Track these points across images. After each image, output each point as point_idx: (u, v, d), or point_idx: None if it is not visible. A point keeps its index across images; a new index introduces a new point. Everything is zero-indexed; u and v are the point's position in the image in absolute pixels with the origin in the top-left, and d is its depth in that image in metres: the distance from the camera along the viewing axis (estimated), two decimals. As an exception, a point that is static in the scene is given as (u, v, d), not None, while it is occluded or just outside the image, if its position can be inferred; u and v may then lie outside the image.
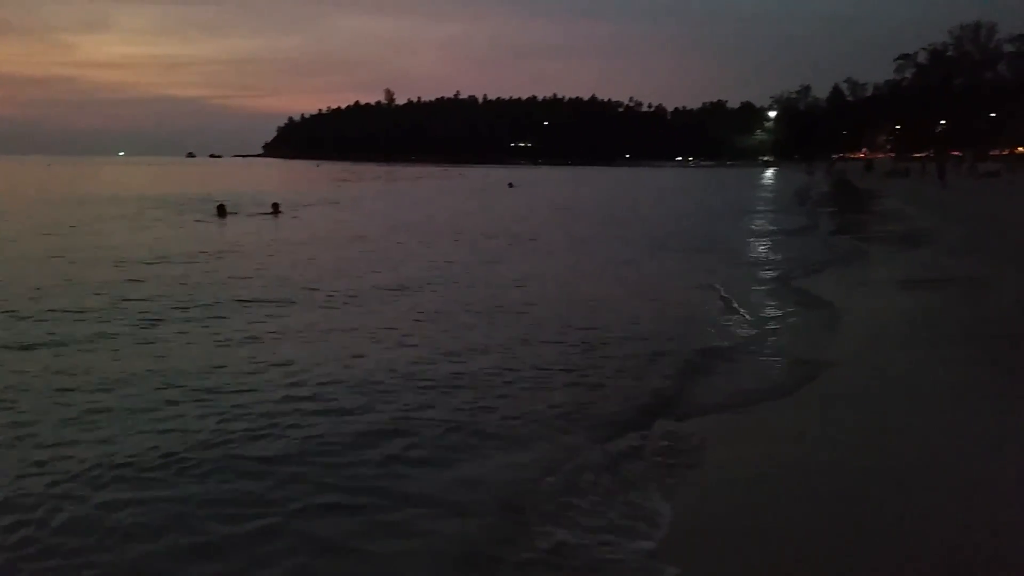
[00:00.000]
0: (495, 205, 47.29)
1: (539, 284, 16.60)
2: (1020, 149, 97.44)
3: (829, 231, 29.34)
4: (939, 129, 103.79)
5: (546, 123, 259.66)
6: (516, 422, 7.63)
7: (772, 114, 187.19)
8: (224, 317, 12.45)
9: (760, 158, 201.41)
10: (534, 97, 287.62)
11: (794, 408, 8.05)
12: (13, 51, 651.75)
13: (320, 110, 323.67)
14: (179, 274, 16.94)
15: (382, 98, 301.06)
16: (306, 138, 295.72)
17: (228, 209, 34.29)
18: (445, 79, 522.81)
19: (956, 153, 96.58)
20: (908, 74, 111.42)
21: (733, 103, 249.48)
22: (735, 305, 13.99)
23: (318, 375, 9.12)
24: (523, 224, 32.50)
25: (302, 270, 17.99)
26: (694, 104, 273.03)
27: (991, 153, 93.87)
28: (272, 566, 4.98)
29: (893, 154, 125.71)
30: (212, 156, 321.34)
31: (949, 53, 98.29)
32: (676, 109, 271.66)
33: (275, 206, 35.25)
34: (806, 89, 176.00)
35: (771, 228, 31.64)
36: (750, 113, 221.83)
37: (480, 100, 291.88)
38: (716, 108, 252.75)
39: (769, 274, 18.02)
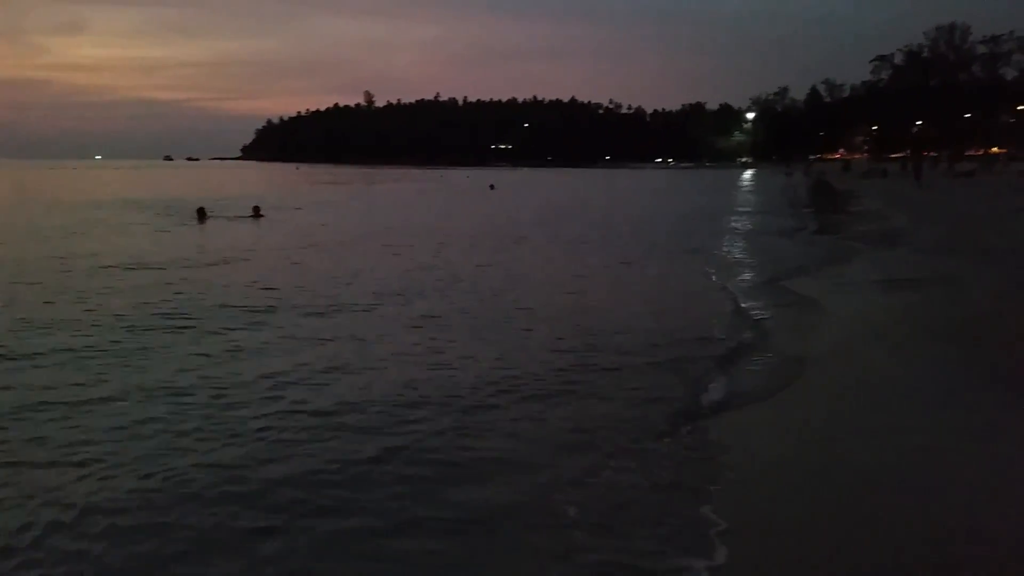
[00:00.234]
0: (478, 208, 47.23)
1: (533, 289, 16.50)
2: (994, 149, 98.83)
3: (812, 231, 29.54)
4: (915, 129, 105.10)
5: (527, 125, 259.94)
6: (543, 432, 7.56)
7: (750, 115, 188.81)
8: (208, 327, 12.03)
9: (739, 159, 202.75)
10: (515, 99, 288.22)
11: (795, 404, 8.20)
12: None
13: (299, 112, 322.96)
14: (160, 281, 16.53)
15: (362, 100, 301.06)
16: (285, 141, 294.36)
17: (208, 212, 34.02)
18: (425, 81, 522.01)
19: (932, 154, 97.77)
20: (885, 75, 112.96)
21: (712, 105, 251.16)
22: (730, 306, 14.11)
23: (312, 388, 8.85)
24: (508, 227, 32.47)
25: (289, 276, 17.53)
26: (673, 106, 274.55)
27: (966, 153, 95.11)
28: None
29: (869, 155, 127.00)
30: (190, 159, 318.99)
31: (925, 54, 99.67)
32: (656, 111, 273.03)
33: (256, 209, 34.99)
34: (784, 90, 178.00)
35: (756, 229, 31.74)
36: (729, 115, 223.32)
37: (460, 102, 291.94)
38: (695, 110, 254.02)
39: (758, 275, 18.03)
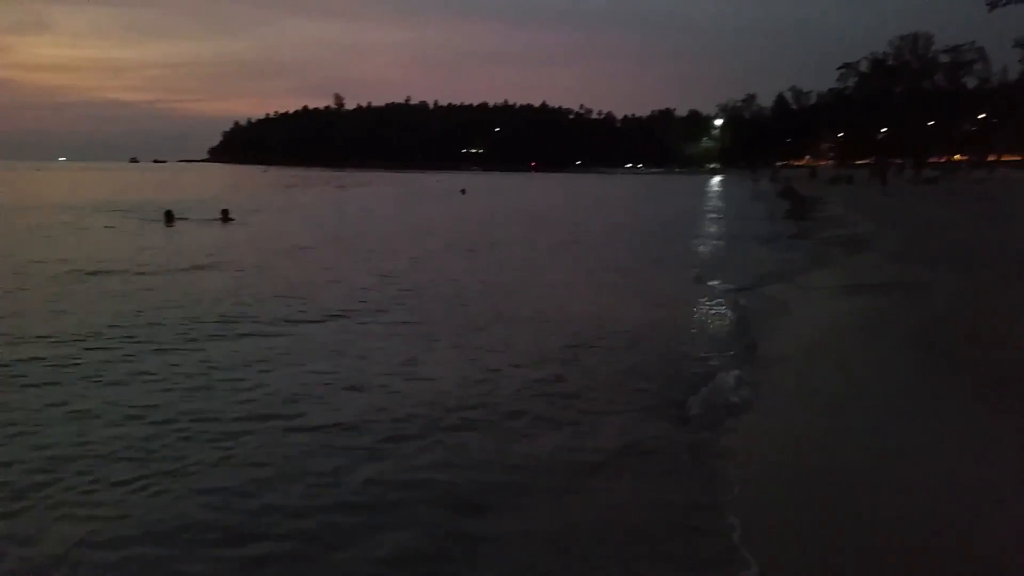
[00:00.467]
0: (450, 213, 47.12)
1: (510, 296, 16.31)
2: (957, 156, 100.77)
3: (786, 237, 29.71)
4: (880, 136, 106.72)
5: (497, 129, 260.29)
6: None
7: (718, 122, 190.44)
8: (179, 339, 11.50)
9: (707, 165, 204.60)
10: (486, 103, 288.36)
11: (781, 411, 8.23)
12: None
13: (268, 114, 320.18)
14: (130, 288, 16.00)
15: (331, 103, 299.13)
16: (253, 143, 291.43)
17: (176, 215, 33.57)
18: (396, 84, 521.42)
19: (897, 160, 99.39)
20: (851, 83, 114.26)
21: (681, 111, 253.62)
22: (707, 312, 14.21)
23: (292, 403, 8.51)
24: (487, 231, 32.42)
25: (262, 285, 16.97)
26: (643, 112, 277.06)
27: (930, 160, 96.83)
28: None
29: (835, 161, 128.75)
30: (156, 161, 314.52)
31: (889, 62, 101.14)
32: (626, 117, 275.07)
33: (225, 213, 34.60)
34: (751, 97, 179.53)
35: (730, 234, 31.90)
36: (697, 121, 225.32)
37: (431, 106, 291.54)
38: (664, 116, 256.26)
39: (737, 281, 18.07)
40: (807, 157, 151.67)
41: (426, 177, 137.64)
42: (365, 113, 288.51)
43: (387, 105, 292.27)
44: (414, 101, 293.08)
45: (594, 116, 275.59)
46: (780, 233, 31.56)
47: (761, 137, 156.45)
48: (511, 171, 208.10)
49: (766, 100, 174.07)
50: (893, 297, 14.57)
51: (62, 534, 5.56)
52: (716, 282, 18.14)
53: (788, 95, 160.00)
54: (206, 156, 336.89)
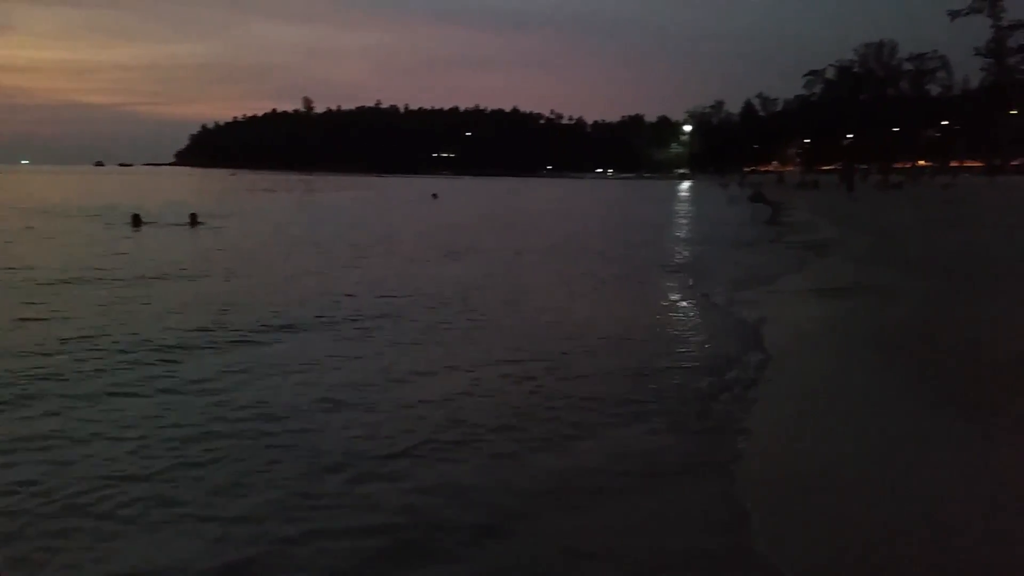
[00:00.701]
0: (423, 217, 47.01)
1: (492, 302, 16.02)
2: (921, 162, 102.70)
3: (758, 242, 29.90)
4: (846, 142, 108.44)
5: (468, 134, 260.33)
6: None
7: (687, 128, 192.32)
8: (153, 352, 10.81)
9: (676, 171, 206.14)
10: (457, 108, 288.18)
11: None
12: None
13: (235, 118, 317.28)
14: (100, 297, 15.25)
15: (300, 106, 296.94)
16: (221, 147, 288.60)
17: (144, 219, 33.10)
18: (365, 88, 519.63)
19: (863, 166, 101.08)
20: (817, 90, 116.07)
21: (651, 117, 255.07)
22: (694, 319, 14.38)
23: (272, 420, 7.96)
24: (463, 237, 32.28)
25: (235, 292, 16.41)
26: (613, 117, 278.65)
27: (895, 165, 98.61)
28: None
29: (801, 167, 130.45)
30: (122, 165, 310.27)
31: (855, 70, 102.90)
32: (596, 122, 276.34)
33: (193, 217, 34.17)
34: (720, 104, 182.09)
35: (706, 239, 32.09)
36: (667, 127, 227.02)
37: (402, 110, 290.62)
38: (634, 121, 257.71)
39: (717, 285, 18.12)
40: (774, 163, 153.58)
41: (397, 181, 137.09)
42: (335, 117, 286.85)
43: (357, 109, 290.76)
44: (384, 105, 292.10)
45: (565, 121, 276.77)
46: (755, 238, 31.65)
47: (729, 143, 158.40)
48: (482, 175, 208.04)
49: (734, 107, 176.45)
50: (858, 301, 14.85)
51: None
52: (699, 288, 18.05)
53: (756, 102, 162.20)
54: (173, 160, 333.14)
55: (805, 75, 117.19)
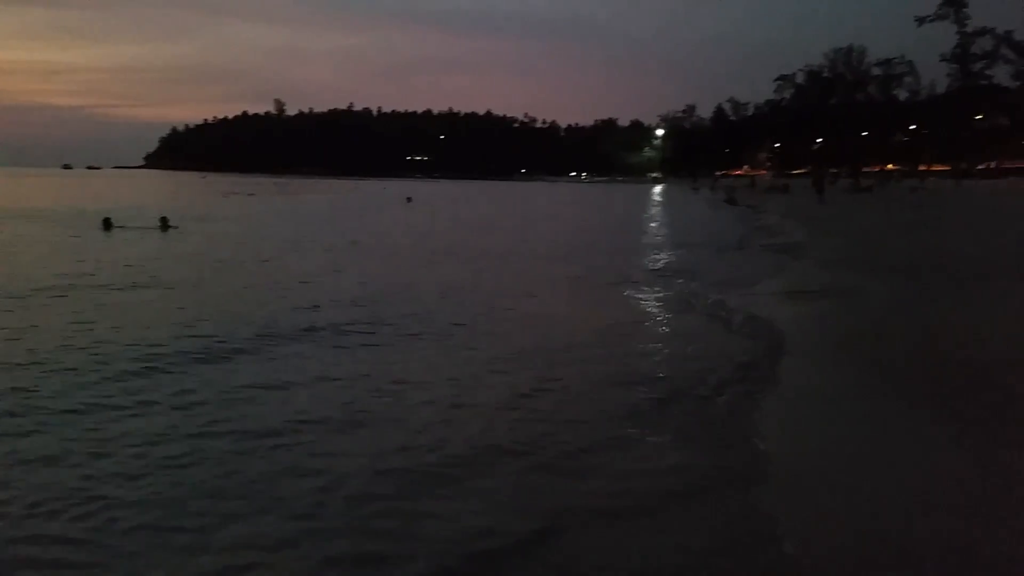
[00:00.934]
0: (399, 220, 46.85)
1: (476, 308, 15.79)
2: (890, 166, 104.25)
3: (732, 246, 29.98)
4: (816, 147, 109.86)
5: (442, 137, 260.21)
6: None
7: (660, 132, 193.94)
8: (138, 363, 10.21)
9: (649, 174, 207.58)
10: (430, 111, 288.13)
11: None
12: None
13: (206, 120, 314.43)
14: (71, 307, 14.51)
15: (272, 108, 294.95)
16: (191, 150, 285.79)
17: (115, 223, 32.67)
18: (338, 90, 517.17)
19: (833, 170, 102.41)
20: (787, 94, 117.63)
21: (623, 121, 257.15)
22: (683, 326, 14.48)
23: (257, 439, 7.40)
24: (441, 240, 32.24)
25: (212, 300, 15.81)
26: (586, 121, 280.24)
27: (864, 169, 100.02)
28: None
29: (772, 170, 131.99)
30: (90, 168, 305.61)
31: (825, 74, 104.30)
32: (569, 126, 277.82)
33: (164, 220, 33.77)
34: (691, 108, 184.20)
35: (686, 243, 32.15)
36: (639, 131, 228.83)
37: (375, 112, 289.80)
38: (607, 126, 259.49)
39: (699, 288, 18.30)
40: (745, 167, 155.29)
41: (370, 184, 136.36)
42: (307, 119, 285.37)
43: (329, 111, 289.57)
44: (357, 108, 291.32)
45: (538, 125, 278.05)
46: (735, 242, 31.63)
47: (701, 147, 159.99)
48: (456, 179, 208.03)
49: (706, 111, 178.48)
50: (825, 304, 15.11)
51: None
52: (684, 291, 17.94)
53: (727, 106, 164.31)
54: (142, 162, 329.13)
55: (775, 80, 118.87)
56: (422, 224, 42.95)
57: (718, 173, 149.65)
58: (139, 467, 6.75)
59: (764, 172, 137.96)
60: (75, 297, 15.68)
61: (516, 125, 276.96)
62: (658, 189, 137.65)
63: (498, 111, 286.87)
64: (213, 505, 6.00)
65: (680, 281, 19.60)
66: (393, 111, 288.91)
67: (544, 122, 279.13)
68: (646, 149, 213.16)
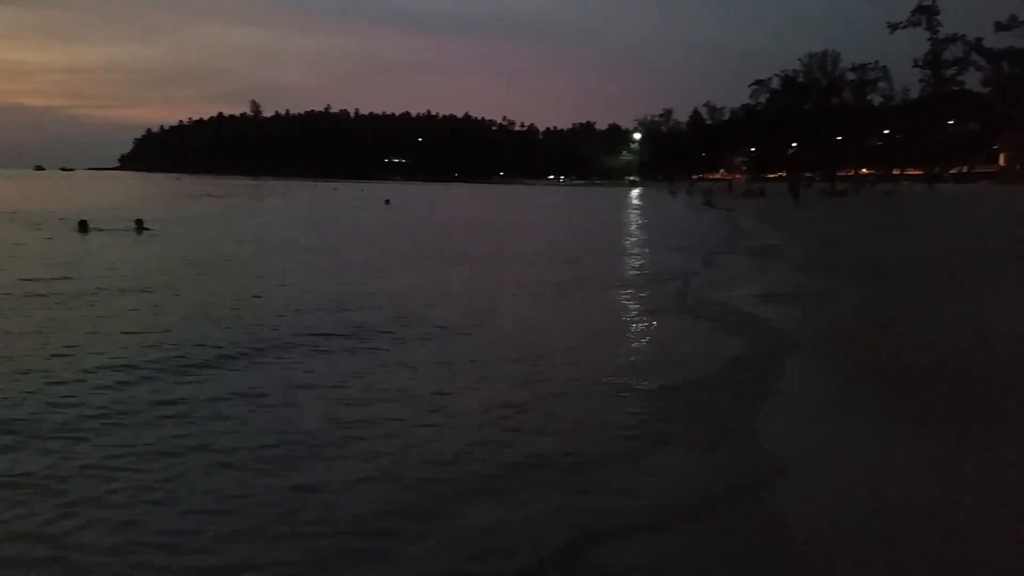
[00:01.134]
0: (379, 222, 46.71)
1: (476, 310, 15.62)
2: (864, 170, 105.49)
3: (710, 250, 30.05)
4: (791, 151, 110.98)
5: (420, 139, 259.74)
6: None
7: (637, 136, 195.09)
8: (121, 375, 9.81)
9: (626, 178, 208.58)
10: (408, 113, 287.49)
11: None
12: None
13: (181, 121, 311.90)
14: (51, 314, 14.08)
15: (248, 110, 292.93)
16: (166, 151, 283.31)
17: (91, 225, 32.33)
18: (315, 92, 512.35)
19: (808, 174, 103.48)
20: (762, 99, 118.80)
21: (601, 125, 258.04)
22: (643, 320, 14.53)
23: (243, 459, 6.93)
24: (426, 243, 32.05)
25: (189, 306, 15.37)
26: (564, 125, 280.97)
27: (838, 173, 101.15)
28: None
29: (748, 174, 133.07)
30: (63, 169, 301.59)
31: (800, 80, 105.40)
32: (548, 129, 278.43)
33: (139, 222, 33.49)
34: (668, 112, 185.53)
35: (667, 247, 32.15)
36: (617, 135, 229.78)
37: (352, 114, 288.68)
38: (585, 129, 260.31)
39: (673, 295, 18.41)
40: (721, 171, 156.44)
41: (348, 186, 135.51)
42: (283, 121, 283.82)
43: (306, 113, 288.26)
44: (334, 110, 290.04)
45: (517, 128, 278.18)
46: (717, 246, 31.68)
47: (678, 151, 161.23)
48: (434, 181, 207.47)
49: (682, 115, 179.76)
50: (799, 307, 15.39)
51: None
52: (666, 295, 17.88)
53: (703, 111, 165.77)
54: (117, 164, 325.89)
55: (751, 84, 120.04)
56: (404, 226, 42.86)
57: (695, 177, 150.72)
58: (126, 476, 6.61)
59: (739, 176, 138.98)
60: (54, 303, 15.20)
61: (494, 128, 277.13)
62: (636, 192, 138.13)
63: (476, 114, 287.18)
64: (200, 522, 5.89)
65: (665, 284, 19.70)
66: (371, 113, 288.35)
67: (522, 125, 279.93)
68: (624, 153, 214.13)
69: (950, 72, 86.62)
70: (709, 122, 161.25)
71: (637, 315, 15.74)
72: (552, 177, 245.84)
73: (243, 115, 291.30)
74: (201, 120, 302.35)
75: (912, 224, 34.92)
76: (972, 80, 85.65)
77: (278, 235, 34.66)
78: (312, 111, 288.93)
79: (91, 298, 15.81)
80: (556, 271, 22.52)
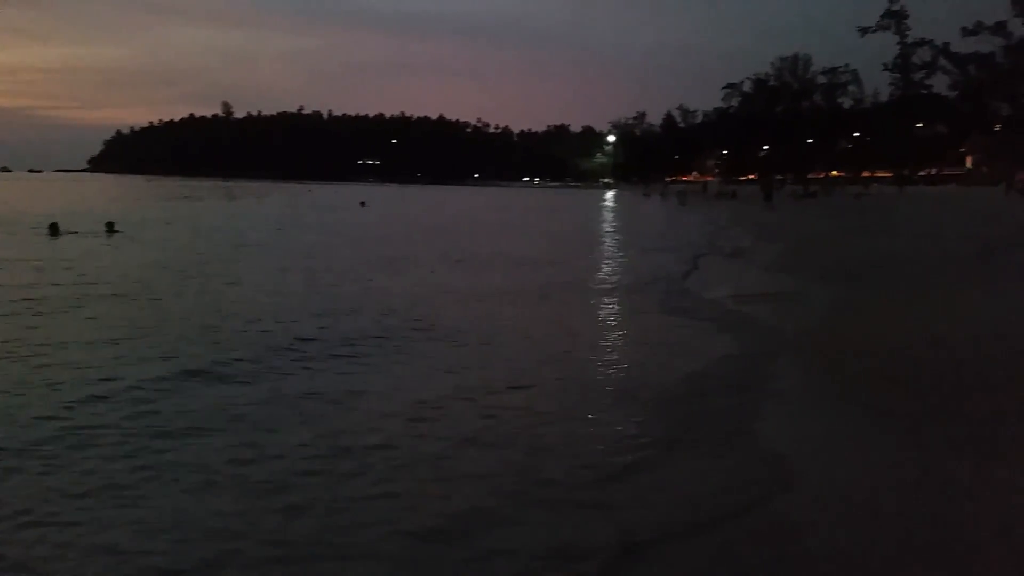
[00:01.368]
0: (355, 225, 46.50)
1: (462, 315, 15.33)
2: (835, 172, 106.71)
3: (684, 251, 30.17)
4: (763, 154, 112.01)
5: (394, 141, 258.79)
6: None
7: (611, 138, 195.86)
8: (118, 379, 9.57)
9: (601, 180, 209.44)
10: (382, 115, 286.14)
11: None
12: None
13: (151, 123, 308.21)
14: (27, 322, 13.54)
15: (219, 111, 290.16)
16: (137, 152, 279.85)
17: (61, 228, 31.85)
18: (287, 93, 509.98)
19: (780, 176, 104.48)
20: (735, 102, 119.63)
21: (575, 127, 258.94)
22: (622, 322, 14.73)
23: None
24: (407, 246, 32.03)
25: (166, 312, 15.05)
26: (539, 127, 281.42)
27: (810, 176, 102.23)
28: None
29: (721, 177, 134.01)
30: (31, 171, 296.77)
31: (771, 83, 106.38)
32: (522, 131, 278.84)
33: (110, 225, 33.11)
34: (642, 115, 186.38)
35: (645, 248, 32.55)
36: (591, 137, 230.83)
37: (325, 115, 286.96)
38: (560, 131, 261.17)
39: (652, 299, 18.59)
40: (694, 173, 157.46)
41: (322, 188, 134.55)
42: (255, 122, 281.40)
43: (279, 114, 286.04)
44: (307, 111, 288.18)
45: (491, 130, 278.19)
46: (685, 247, 31.78)
47: (651, 153, 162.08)
48: (409, 183, 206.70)
49: (656, 118, 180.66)
50: (770, 306, 15.62)
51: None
52: (647, 299, 17.93)
53: (676, 113, 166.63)
54: (86, 166, 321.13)
55: (723, 88, 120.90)
56: (382, 229, 42.72)
57: (668, 179, 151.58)
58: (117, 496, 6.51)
59: (711, 178, 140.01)
60: (32, 312, 14.60)
61: (469, 130, 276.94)
62: (610, 195, 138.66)
63: (451, 115, 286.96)
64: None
65: (647, 286, 19.90)
66: (344, 114, 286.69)
67: (497, 127, 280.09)
68: (598, 155, 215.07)
69: (919, 76, 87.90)
70: (682, 125, 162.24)
71: (622, 316, 15.94)
72: (527, 179, 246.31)
73: (215, 116, 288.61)
74: (172, 121, 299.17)
75: (882, 225, 35.42)
76: (940, 84, 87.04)
77: (251, 238, 34.37)
78: (285, 112, 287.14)
79: (63, 304, 15.45)
80: (541, 273, 22.63)
